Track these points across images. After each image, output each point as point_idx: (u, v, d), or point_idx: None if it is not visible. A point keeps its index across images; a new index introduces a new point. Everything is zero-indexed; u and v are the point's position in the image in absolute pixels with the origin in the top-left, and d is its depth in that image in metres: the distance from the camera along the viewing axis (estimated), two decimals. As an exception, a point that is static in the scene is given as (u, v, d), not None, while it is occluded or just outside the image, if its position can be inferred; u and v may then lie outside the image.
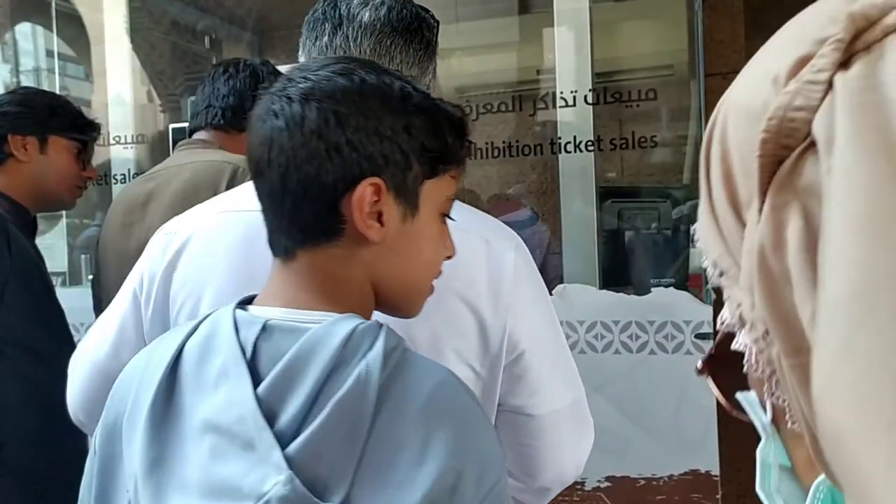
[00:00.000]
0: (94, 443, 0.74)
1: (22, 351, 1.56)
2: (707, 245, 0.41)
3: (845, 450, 0.29)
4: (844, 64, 0.32)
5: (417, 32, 0.95)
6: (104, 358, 0.96)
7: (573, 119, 2.12)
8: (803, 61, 0.33)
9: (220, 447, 0.61)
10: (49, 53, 3.42)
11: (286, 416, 0.62)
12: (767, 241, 0.33)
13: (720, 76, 2.30)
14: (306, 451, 0.60)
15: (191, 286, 0.90)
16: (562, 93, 2.12)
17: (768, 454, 0.42)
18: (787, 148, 0.33)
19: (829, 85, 0.32)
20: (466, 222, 0.87)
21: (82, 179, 1.77)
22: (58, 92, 2.67)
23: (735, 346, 0.40)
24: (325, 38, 0.93)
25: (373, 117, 0.67)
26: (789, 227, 0.32)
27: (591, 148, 2.11)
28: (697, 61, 2.10)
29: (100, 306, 1.66)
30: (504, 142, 2.21)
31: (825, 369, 0.30)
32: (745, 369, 0.40)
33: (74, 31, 3.27)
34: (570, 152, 2.12)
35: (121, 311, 0.97)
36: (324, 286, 0.70)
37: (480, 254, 0.87)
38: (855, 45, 0.32)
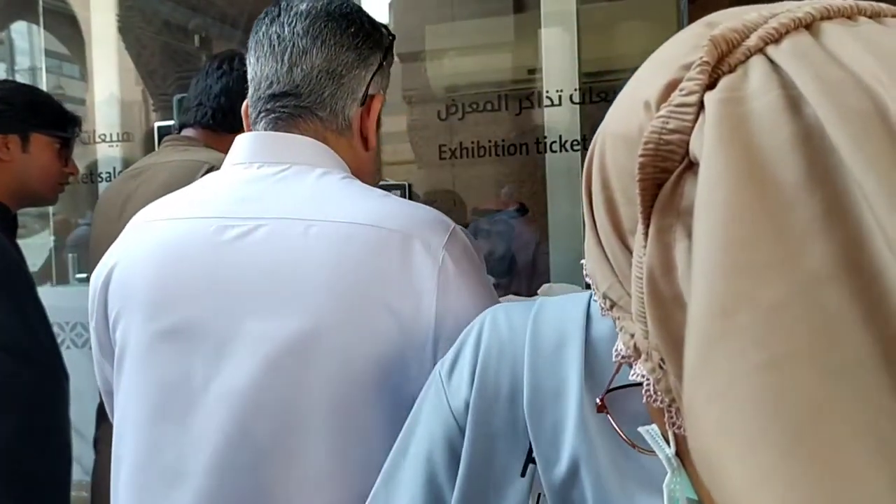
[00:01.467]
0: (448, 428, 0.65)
1: (3, 352, 1.56)
2: (596, 278, 0.41)
3: (711, 470, 0.28)
4: (711, 86, 0.32)
5: (355, 21, 0.97)
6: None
7: (559, 119, 2.12)
8: (672, 86, 0.34)
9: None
10: (46, 53, 3.42)
11: None
12: (656, 264, 0.33)
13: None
14: None
15: (118, 300, 0.93)
16: (548, 92, 2.12)
17: (674, 488, 0.41)
18: (666, 171, 0.33)
19: (700, 106, 0.32)
20: (388, 220, 0.86)
21: (64, 176, 1.77)
22: (52, 91, 2.67)
23: (632, 377, 0.39)
24: (263, 28, 0.97)
25: None
26: (676, 248, 0.32)
27: (577, 147, 2.11)
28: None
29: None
30: (490, 141, 2.21)
31: (686, 389, 0.30)
32: (643, 400, 0.39)
33: (69, 30, 3.28)
34: (556, 152, 2.12)
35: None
36: None
37: (397, 253, 0.85)
38: (720, 67, 0.33)
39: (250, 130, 0.98)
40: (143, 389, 0.91)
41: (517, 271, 2.44)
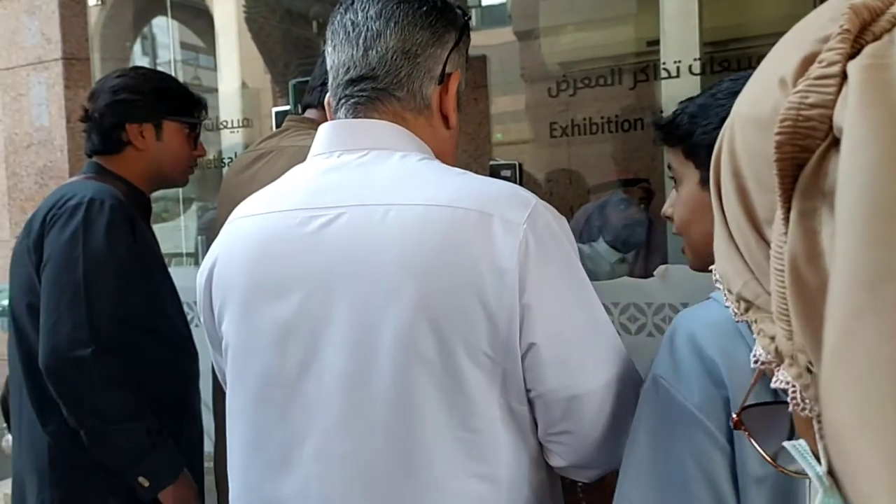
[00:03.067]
0: None
1: (143, 333, 1.65)
2: (728, 278, 0.38)
3: (844, 450, 0.26)
4: (853, 55, 0.30)
5: (427, 1, 0.97)
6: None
7: (677, 91, 2.00)
8: (809, 60, 0.31)
9: None
10: (183, 45, 3.61)
11: None
12: (799, 252, 0.30)
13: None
14: None
15: (220, 295, 0.98)
16: (664, 63, 2.01)
17: None
18: (807, 150, 0.30)
19: (843, 77, 0.29)
20: (465, 199, 0.86)
21: (193, 159, 1.84)
22: (189, 83, 2.82)
23: (774, 384, 0.35)
24: (338, 17, 0.99)
25: None
26: (822, 233, 0.29)
27: (697, 121, 1.99)
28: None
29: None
30: (603, 117, 2.12)
31: (824, 370, 0.27)
32: (790, 410, 0.36)
33: (201, 23, 3.44)
34: (674, 127, 2.00)
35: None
36: None
37: (475, 232, 0.85)
38: (863, 37, 0.30)
39: (332, 119, 1.01)
40: (245, 379, 0.96)
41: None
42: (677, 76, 1.98)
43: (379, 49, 0.95)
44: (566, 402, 0.87)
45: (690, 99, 1.04)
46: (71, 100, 2.69)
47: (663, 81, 2.03)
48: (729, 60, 1.98)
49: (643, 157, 2.38)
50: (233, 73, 2.91)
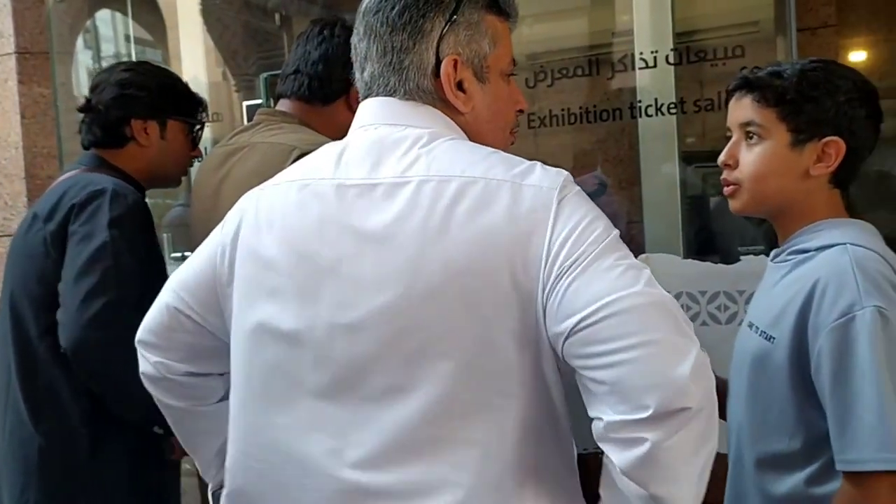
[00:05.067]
0: None
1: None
2: None
3: None
4: None
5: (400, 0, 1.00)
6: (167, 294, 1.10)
7: (654, 81, 2.04)
8: None
9: None
10: (127, 39, 3.50)
11: None
12: None
13: (809, 31, 2.16)
14: None
15: (248, 253, 1.00)
16: (641, 53, 2.04)
17: None
18: None
19: None
20: (497, 172, 0.90)
21: (191, 159, 1.84)
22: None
23: None
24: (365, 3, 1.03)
25: None
26: None
27: (673, 111, 2.02)
28: (788, 16, 1.98)
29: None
30: (581, 108, 2.14)
31: None
32: None
33: (151, 17, 3.34)
34: (650, 116, 2.04)
35: (202, 260, 1.08)
36: None
37: (508, 201, 0.88)
38: None
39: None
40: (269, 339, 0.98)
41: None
42: (654, 66, 2.01)
43: (368, 68, 1.01)
44: (607, 320, 0.82)
45: (778, 66, 1.20)
46: (25, 95, 2.59)
47: (639, 71, 2.06)
48: (705, 50, 2.02)
49: (610, 148, 2.41)
50: (195, 67, 2.83)
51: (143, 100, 1.70)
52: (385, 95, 1.00)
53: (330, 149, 1.02)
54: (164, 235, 2.66)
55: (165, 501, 1.75)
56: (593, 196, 2.04)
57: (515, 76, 1.09)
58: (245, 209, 1.03)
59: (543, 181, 0.89)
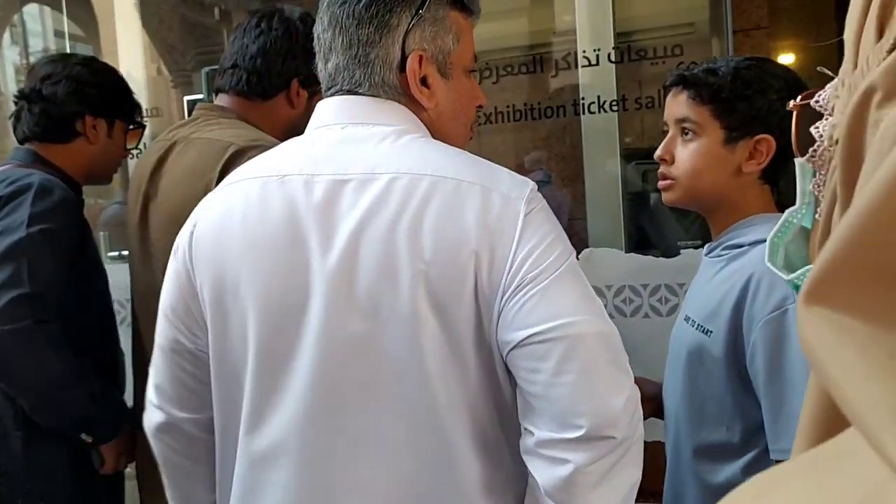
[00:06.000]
0: None
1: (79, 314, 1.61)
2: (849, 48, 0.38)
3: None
4: None
5: None
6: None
7: (596, 79, 2.07)
8: None
9: None
10: (58, 34, 3.39)
11: None
12: None
13: (743, 33, 2.23)
14: None
15: (206, 258, 0.97)
16: (584, 52, 2.06)
17: (795, 215, 0.49)
18: None
19: None
20: (467, 173, 0.90)
21: (123, 159, 1.83)
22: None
23: (814, 130, 0.42)
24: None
25: None
26: None
27: (614, 108, 2.05)
28: (725, 17, 2.04)
29: (134, 280, 1.66)
30: (525, 104, 2.16)
31: None
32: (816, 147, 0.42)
33: (82, 11, 3.24)
34: (593, 113, 2.07)
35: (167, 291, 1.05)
36: None
37: (477, 204, 0.88)
38: None
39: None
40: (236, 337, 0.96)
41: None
42: (596, 64, 2.04)
43: (333, 59, 1.00)
44: (553, 344, 0.86)
45: (713, 64, 1.20)
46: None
47: (581, 69, 2.08)
48: (645, 49, 2.05)
49: (554, 145, 2.44)
50: (133, 62, 2.75)
51: (98, 97, 1.68)
52: (349, 88, 0.99)
53: (292, 145, 1.01)
54: (101, 234, 2.58)
55: None
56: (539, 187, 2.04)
57: (475, 72, 1.09)
58: (196, 219, 1.00)
59: (512, 190, 0.90)
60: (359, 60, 0.98)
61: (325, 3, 1.01)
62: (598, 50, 2.04)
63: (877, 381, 0.23)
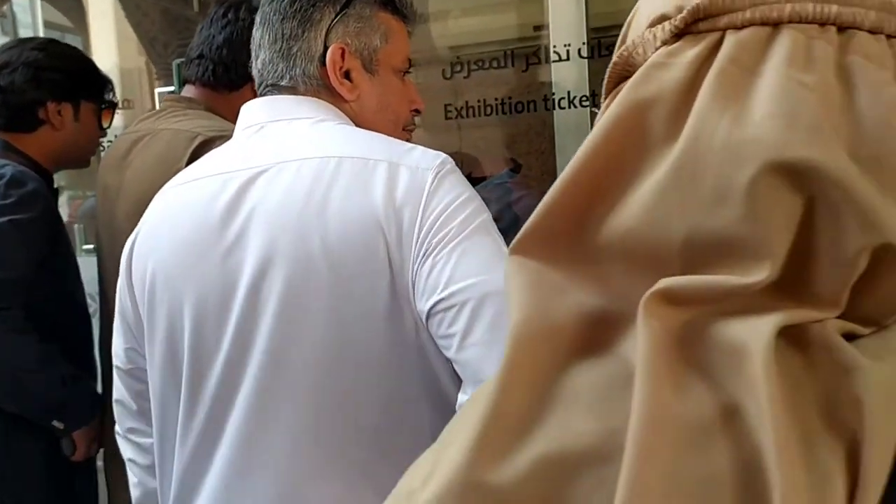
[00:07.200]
0: None
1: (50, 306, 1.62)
2: None
3: None
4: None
5: None
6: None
7: (567, 74, 2.07)
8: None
9: None
10: (47, 25, 3.38)
11: None
12: None
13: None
14: None
15: (142, 263, 0.99)
16: (555, 47, 2.06)
17: None
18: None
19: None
20: (375, 152, 0.91)
21: (99, 139, 1.80)
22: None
23: None
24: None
25: None
26: None
27: (585, 103, 2.06)
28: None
29: (101, 275, 1.67)
30: (497, 99, 2.16)
31: None
32: None
33: (70, 3, 3.23)
34: (563, 108, 2.07)
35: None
36: None
37: (383, 179, 0.88)
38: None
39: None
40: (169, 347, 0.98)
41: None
42: (567, 59, 2.04)
43: (261, 55, 1.03)
44: (463, 306, 0.85)
45: None
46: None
47: (553, 64, 2.08)
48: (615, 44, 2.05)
49: (532, 140, 2.44)
50: (109, 53, 2.75)
51: (59, 82, 1.65)
52: (273, 81, 1.02)
53: (216, 152, 1.04)
54: (77, 227, 2.58)
55: (82, 500, 1.72)
56: (501, 183, 2.03)
57: (410, 74, 1.11)
58: (133, 240, 1.04)
59: (421, 162, 0.91)
60: (282, 54, 1.00)
61: (261, 4, 1.04)
62: (569, 45, 2.04)
63: (527, 290, 0.38)
